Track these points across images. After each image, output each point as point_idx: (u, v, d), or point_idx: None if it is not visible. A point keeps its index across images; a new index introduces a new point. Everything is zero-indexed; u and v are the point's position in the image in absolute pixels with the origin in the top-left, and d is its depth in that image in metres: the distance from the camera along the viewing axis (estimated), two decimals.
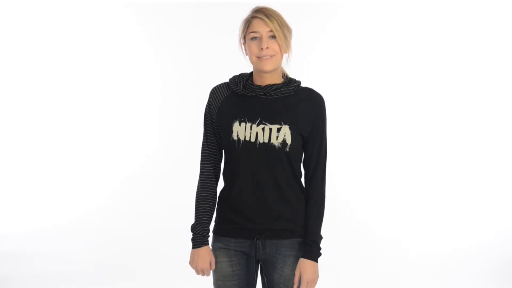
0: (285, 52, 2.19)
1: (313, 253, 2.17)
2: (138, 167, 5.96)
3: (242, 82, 2.21)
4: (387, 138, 5.89)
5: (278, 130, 2.13)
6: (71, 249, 5.27)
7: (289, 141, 2.13)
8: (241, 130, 2.15)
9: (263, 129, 2.14)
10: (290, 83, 2.22)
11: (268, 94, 2.18)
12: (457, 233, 5.49)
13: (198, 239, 2.23)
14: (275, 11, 2.16)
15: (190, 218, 2.31)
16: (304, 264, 2.17)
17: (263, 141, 2.13)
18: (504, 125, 5.85)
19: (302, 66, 5.77)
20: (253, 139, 2.14)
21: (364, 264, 5.05)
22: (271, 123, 2.14)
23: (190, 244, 2.25)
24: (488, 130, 5.86)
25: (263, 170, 2.15)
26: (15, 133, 6.12)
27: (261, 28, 2.13)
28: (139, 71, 6.08)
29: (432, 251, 5.27)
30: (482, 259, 5.16)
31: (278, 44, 2.15)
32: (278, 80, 2.21)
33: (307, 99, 2.21)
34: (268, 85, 2.19)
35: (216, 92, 2.25)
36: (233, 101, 2.21)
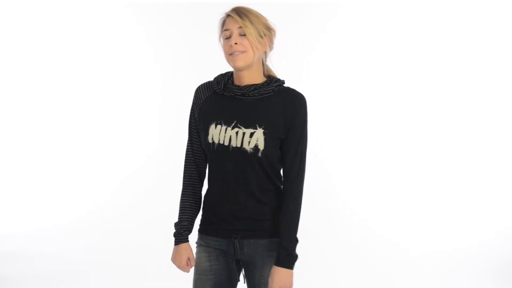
0: (259, 51, 2.13)
1: (284, 259, 2.12)
2: (138, 167, 5.96)
3: (223, 81, 2.20)
4: (387, 138, 5.89)
5: (251, 134, 2.10)
6: (71, 249, 5.27)
7: (261, 147, 2.09)
8: (216, 133, 2.14)
9: (237, 133, 2.11)
10: (271, 83, 2.16)
11: (246, 95, 2.15)
12: (457, 233, 5.49)
13: (177, 237, 2.27)
14: (251, 10, 2.14)
15: None
16: (274, 271, 2.12)
17: (236, 145, 2.11)
18: (504, 125, 5.85)
19: (302, 66, 5.80)
20: (226, 143, 2.12)
21: (364, 264, 5.05)
22: (246, 127, 2.11)
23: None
24: (488, 130, 5.86)
25: (236, 174, 2.14)
26: (15, 133, 6.12)
27: (232, 25, 2.13)
28: (139, 71, 6.08)
29: (432, 251, 5.27)
30: (482, 259, 5.16)
31: (249, 41, 2.11)
32: (258, 80, 2.17)
33: (285, 100, 2.14)
34: (247, 85, 2.16)
35: (199, 92, 2.26)
36: (213, 101, 2.21)
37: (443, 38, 5.88)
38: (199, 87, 2.28)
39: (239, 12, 2.13)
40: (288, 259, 2.12)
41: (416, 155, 5.88)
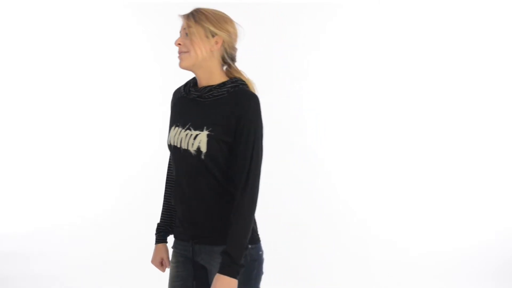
0: (202, 51, 2.06)
1: (229, 268, 1.99)
2: (139, 168, 5.96)
3: (190, 83, 2.19)
4: (387, 138, 5.89)
5: (196, 136, 2.06)
6: (71, 249, 5.27)
7: (203, 149, 2.04)
8: (173, 135, 2.15)
9: (186, 134, 2.10)
10: (225, 85, 2.08)
11: (202, 97, 2.11)
12: (457, 233, 5.49)
13: (155, 238, 2.34)
14: (203, 9, 2.08)
15: None
16: (216, 279, 2.00)
17: (185, 148, 2.09)
18: (504, 125, 5.86)
19: (302, 66, 5.79)
20: (178, 145, 2.12)
21: (364, 264, 5.05)
22: (195, 129, 2.08)
23: None
24: (488, 130, 5.86)
25: (187, 177, 2.12)
26: (15, 133, 6.11)
27: (181, 26, 2.11)
28: (139, 71, 6.08)
29: (432, 251, 5.27)
30: (482, 259, 5.16)
31: (191, 41, 2.05)
32: (215, 81, 2.11)
33: (236, 102, 2.04)
34: (203, 87, 2.12)
35: (174, 94, 2.27)
36: (180, 103, 2.21)
37: (443, 38, 5.88)
38: (176, 88, 2.28)
39: (189, 12, 2.09)
40: (232, 267, 1.99)
41: (416, 155, 5.87)
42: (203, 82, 2.12)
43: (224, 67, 2.15)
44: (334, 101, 5.87)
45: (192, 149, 2.07)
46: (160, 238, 2.33)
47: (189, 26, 2.06)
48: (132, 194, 5.86)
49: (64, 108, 6.11)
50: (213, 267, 2.11)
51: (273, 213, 5.61)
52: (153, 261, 2.38)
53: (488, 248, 5.32)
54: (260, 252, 2.14)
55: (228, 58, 2.12)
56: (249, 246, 2.08)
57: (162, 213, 2.34)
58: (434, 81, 5.91)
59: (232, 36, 2.10)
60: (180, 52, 2.09)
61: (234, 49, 2.14)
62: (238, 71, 2.16)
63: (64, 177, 6.04)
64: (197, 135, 2.06)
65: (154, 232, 2.34)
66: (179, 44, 2.08)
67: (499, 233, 5.49)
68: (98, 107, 6.09)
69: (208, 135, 2.04)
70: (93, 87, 6.11)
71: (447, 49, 5.88)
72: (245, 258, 2.07)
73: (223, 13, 2.11)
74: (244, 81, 2.12)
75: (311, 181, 5.83)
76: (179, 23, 2.12)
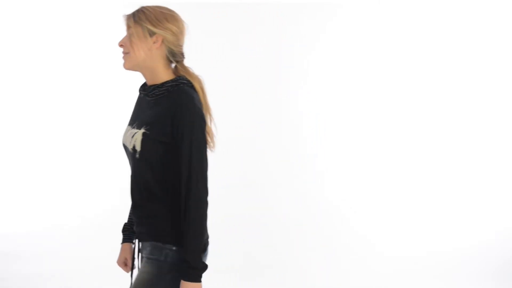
0: (140, 51, 2.04)
1: (188, 273, 1.99)
2: None
3: (143, 83, 2.19)
4: (386, 138, 5.89)
5: (134, 135, 2.05)
6: (71, 249, 5.27)
7: (138, 148, 2.02)
8: (124, 133, 2.16)
9: (130, 133, 2.10)
10: (166, 84, 2.06)
11: (149, 96, 2.09)
12: (457, 233, 5.49)
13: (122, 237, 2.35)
14: (144, 8, 2.05)
15: None
16: (181, 285, 2.02)
17: (127, 146, 2.10)
18: (504, 125, 5.85)
19: (302, 66, 5.79)
20: (125, 143, 2.14)
21: (363, 264, 5.05)
22: (137, 127, 2.07)
23: None
24: (488, 130, 5.86)
25: (132, 175, 2.13)
26: (15, 134, 6.12)
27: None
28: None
29: (432, 251, 5.27)
30: (482, 259, 5.16)
31: (130, 41, 2.04)
32: (161, 80, 2.08)
33: (172, 101, 2.00)
34: (149, 86, 2.10)
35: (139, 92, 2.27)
36: (137, 102, 2.22)
37: (443, 38, 5.88)
38: None
39: (130, 13, 2.08)
40: (191, 272, 1.99)
41: (416, 155, 5.87)
42: (149, 81, 2.11)
43: (173, 65, 2.12)
44: (334, 102, 5.86)
45: (130, 147, 2.07)
46: (126, 237, 2.34)
47: (129, 27, 2.05)
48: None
49: (64, 108, 6.11)
50: (143, 260, 2.14)
51: (272, 214, 5.61)
52: (117, 261, 2.39)
53: (488, 248, 5.32)
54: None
55: (170, 56, 2.09)
56: (173, 248, 2.06)
57: (129, 213, 2.35)
58: (434, 82, 5.91)
59: (175, 34, 2.07)
60: (123, 53, 2.08)
61: (178, 47, 2.11)
62: (184, 69, 2.14)
63: (64, 177, 6.03)
64: (135, 133, 2.06)
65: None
66: (121, 45, 2.08)
67: (499, 233, 5.48)
68: (98, 107, 6.09)
69: (143, 134, 2.03)
70: (93, 87, 6.11)
71: (447, 49, 5.88)
72: (166, 258, 2.06)
73: (167, 11, 2.07)
74: (186, 80, 2.09)
75: (311, 181, 5.83)
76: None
